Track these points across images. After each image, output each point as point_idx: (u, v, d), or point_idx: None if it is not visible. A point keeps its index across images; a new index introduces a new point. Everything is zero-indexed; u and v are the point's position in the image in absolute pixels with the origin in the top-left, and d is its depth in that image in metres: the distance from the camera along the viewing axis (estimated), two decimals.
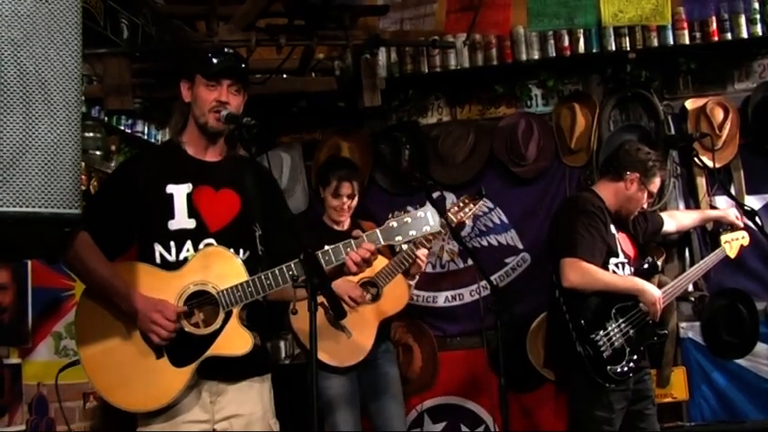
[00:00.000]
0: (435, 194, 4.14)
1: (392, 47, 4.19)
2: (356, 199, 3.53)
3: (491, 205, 4.25)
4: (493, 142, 4.29)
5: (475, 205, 3.52)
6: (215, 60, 2.25)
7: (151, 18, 3.50)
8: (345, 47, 3.71)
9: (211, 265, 2.15)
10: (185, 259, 2.17)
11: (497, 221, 4.25)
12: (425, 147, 4.33)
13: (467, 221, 3.78)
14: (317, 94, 4.21)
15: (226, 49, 2.32)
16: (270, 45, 3.54)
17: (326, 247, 2.14)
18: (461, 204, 3.51)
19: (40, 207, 1.51)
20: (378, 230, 2.17)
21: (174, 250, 2.18)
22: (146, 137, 4.32)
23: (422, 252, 3.44)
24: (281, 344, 4.15)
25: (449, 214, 3.46)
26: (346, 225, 3.57)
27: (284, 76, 4.14)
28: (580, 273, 3.02)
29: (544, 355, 3.37)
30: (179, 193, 2.23)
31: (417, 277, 3.61)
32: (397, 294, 3.47)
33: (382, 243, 2.15)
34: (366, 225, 3.47)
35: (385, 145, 4.33)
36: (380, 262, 3.42)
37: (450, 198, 4.25)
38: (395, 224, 2.15)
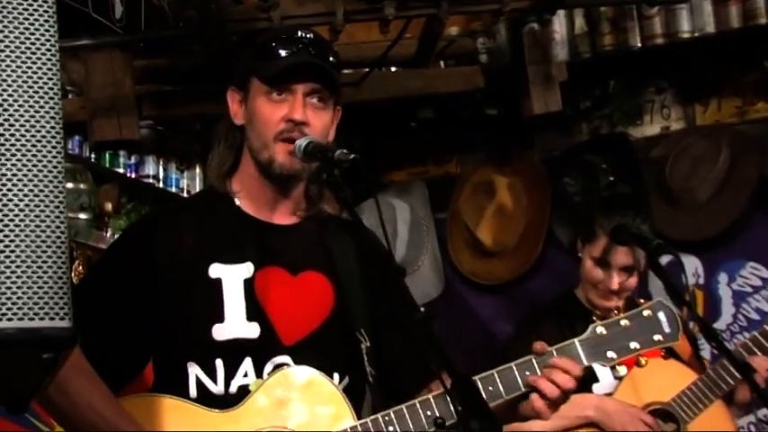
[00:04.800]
0: (664, 260, 4.00)
1: (579, 8, 4.18)
2: (636, 277, 3.54)
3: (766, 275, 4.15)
4: (766, 162, 4.16)
5: None
6: (281, 52, 2.26)
7: None
8: (497, 13, 3.67)
9: (289, 403, 2.18)
10: (243, 390, 2.19)
11: None
12: (642, 177, 4.29)
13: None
14: (451, 96, 4.25)
15: (300, 33, 2.31)
16: (368, 19, 3.58)
17: (492, 371, 2.14)
18: None
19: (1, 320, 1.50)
20: (577, 342, 2.19)
21: (221, 374, 2.21)
22: (160, 184, 4.48)
23: (763, 361, 3.33)
24: None
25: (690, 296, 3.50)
26: (618, 308, 3.56)
27: (394, 69, 4.19)
28: None
29: None
30: (232, 278, 2.25)
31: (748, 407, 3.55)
32: None
33: (585, 363, 2.18)
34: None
35: (571, 178, 4.36)
36: (671, 375, 3.38)
37: (691, 264, 4.21)
38: (603, 330, 2.21)
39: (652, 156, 4.34)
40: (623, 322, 2.23)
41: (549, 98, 3.92)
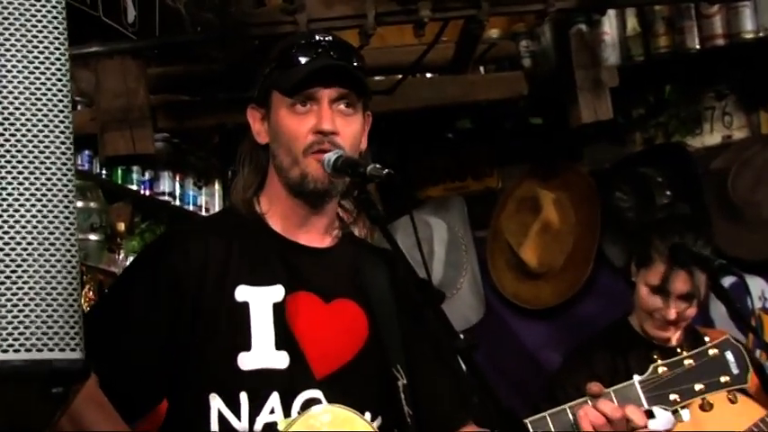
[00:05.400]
0: (727, 281, 3.96)
1: (631, 7, 4.17)
2: (696, 306, 3.54)
3: None
4: None
5: None
6: (300, 59, 2.27)
7: None
8: (542, 14, 3.67)
9: None
10: (269, 429, 2.19)
11: None
12: (701, 192, 4.28)
13: None
14: (491, 105, 4.24)
15: (318, 36, 2.32)
16: (401, 22, 3.58)
17: (544, 414, 2.16)
18: None
19: (5, 352, 1.51)
20: (637, 382, 2.22)
21: (246, 409, 2.20)
22: (177, 201, 4.50)
23: None
24: None
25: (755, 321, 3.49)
26: (676, 338, 3.58)
27: (429, 75, 4.20)
28: None
29: None
30: (260, 302, 2.25)
31: None
32: None
33: (645, 405, 2.21)
34: (713, 334, 3.44)
35: (623, 192, 4.34)
36: (736, 411, 3.28)
37: (757, 286, 4.20)
38: (665, 370, 2.24)
39: (712, 168, 4.32)
40: (687, 362, 2.24)
41: (599, 105, 3.90)
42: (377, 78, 4.06)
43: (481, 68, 4.32)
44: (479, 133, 4.60)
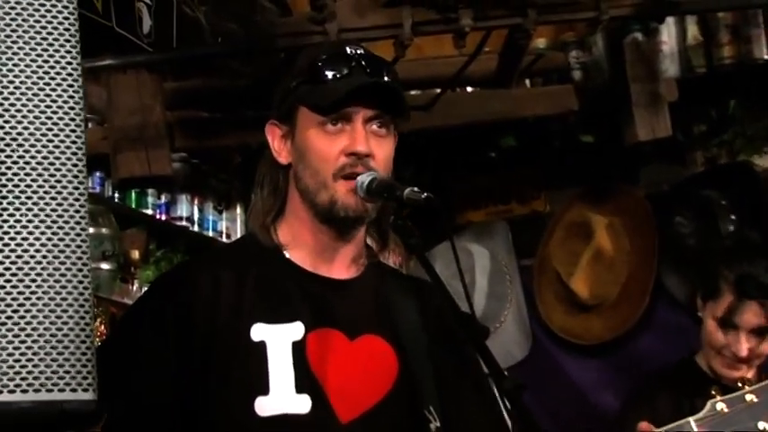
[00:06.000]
0: None
1: (692, 14, 4.15)
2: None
3: None
4: None
5: None
6: (331, 73, 2.27)
7: None
8: (594, 22, 3.66)
9: None
10: None
11: None
12: None
13: None
14: (538, 121, 4.26)
15: (349, 49, 2.32)
16: (440, 31, 3.58)
17: None
18: None
19: (11, 392, 1.51)
20: (692, 420, 2.24)
21: None
22: (195, 227, 4.52)
23: None
24: None
25: None
26: (749, 376, 3.52)
27: (470, 89, 4.21)
28: None
29: None
30: (278, 341, 2.25)
31: None
32: None
33: None
34: None
35: (683, 217, 4.33)
36: None
37: None
38: (724, 407, 2.25)
39: None
40: (749, 397, 2.24)
41: (657, 122, 3.88)
42: (413, 93, 4.07)
43: (527, 81, 4.31)
44: (525, 152, 4.59)
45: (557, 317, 4.58)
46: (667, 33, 4.22)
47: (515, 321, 4.49)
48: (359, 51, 2.29)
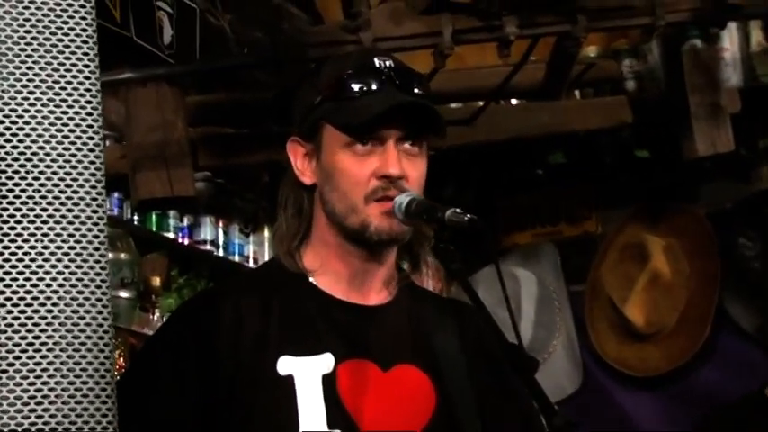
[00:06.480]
0: None
1: (757, 18, 4.11)
2: None
3: None
4: None
5: None
6: (358, 87, 2.25)
7: None
8: (649, 28, 3.65)
9: None
10: None
11: None
12: None
13: None
14: (589, 135, 4.24)
15: (378, 61, 2.29)
16: (483, 40, 3.58)
17: None
18: None
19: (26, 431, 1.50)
20: None
21: None
22: (220, 251, 4.52)
23: None
24: None
25: None
26: None
27: (515, 102, 4.20)
28: None
29: None
30: (307, 374, 2.25)
31: None
32: None
33: None
34: None
35: (748, 238, 4.33)
36: None
37: None
38: None
39: None
40: None
41: (718, 136, 3.87)
42: (453, 106, 4.06)
43: (577, 93, 4.30)
44: (575, 169, 4.59)
45: (610, 346, 4.55)
46: (729, 40, 4.18)
47: (565, 352, 4.49)
48: (388, 63, 2.29)
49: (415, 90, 2.27)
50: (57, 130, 1.65)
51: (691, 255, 4.38)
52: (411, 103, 2.24)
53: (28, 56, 1.67)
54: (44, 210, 1.61)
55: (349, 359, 2.26)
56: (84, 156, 1.65)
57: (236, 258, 4.73)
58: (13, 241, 1.62)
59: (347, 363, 2.26)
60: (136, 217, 4.18)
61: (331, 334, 2.28)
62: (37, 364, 1.58)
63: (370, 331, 2.30)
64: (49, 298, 1.58)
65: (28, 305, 1.59)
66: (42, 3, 1.69)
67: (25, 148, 1.63)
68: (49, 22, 1.69)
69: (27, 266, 1.60)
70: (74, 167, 1.64)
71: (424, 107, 2.25)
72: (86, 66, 1.68)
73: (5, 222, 1.62)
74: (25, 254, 1.60)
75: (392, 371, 2.29)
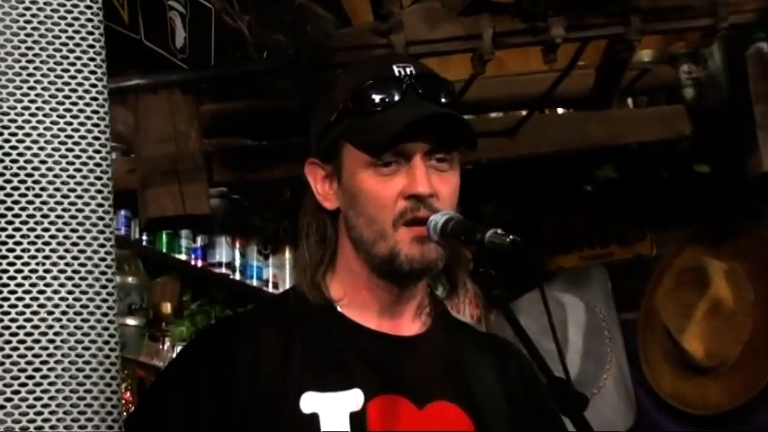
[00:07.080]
0: None
1: None
2: None
3: None
4: None
5: None
6: (379, 98, 2.24)
7: None
8: (710, 31, 3.64)
9: None
10: None
11: None
12: None
13: None
14: (643, 148, 4.24)
15: (397, 69, 2.26)
16: (527, 43, 3.60)
17: None
18: None
19: None
20: None
21: None
22: (237, 275, 4.52)
23: None
24: None
25: None
26: None
27: (561, 111, 4.22)
28: None
29: None
30: (334, 412, 2.24)
31: None
32: None
33: None
34: None
35: None
36: None
37: None
38: None
39: None
40: None
41: None
42: (493, 116, 4.07)
43: (629, 101, 4.30)
44: (627, 185, 4.59)
45: (665, 381, 4.55)
46: None
47: (616, 386, 4.49)
48: (408, 70, 2.27)
49: (442, 99, 2.26)
50: (60, 143, 1.65)
51: (755, 280, 4.40)
52: (434, 115, 2.23)
53: (29, 61, 1.67)
54: (46, 230, 1.62)
55: (380, 395, 2.25)
56: (91, 170, 1.65)
57: (255, 282, 4.72)
58: (11, 264, 1.62)
59: (378, 399, 2.25)
60: (145, 237, 4.18)
61: (360, 367, 2.27)
62: (37, 399, 1.58)
63: (404, 364, 2.29)
64: (51, 327, 1.59)
65: (28, 334, 1.59)
66: (45, 2, 1.69)
67: (26, 162, 1.64)
68: (53, 23, 1.70)
69: (27, 292, 1.60)
70: (79, 183, 1.64)
71: (450, 116, 2.25)
72: (93, 72, 1.69)
73: (3, 243, 1.62)
74: (25, 278, 1.60)
75: (428, 408, 2.28)
